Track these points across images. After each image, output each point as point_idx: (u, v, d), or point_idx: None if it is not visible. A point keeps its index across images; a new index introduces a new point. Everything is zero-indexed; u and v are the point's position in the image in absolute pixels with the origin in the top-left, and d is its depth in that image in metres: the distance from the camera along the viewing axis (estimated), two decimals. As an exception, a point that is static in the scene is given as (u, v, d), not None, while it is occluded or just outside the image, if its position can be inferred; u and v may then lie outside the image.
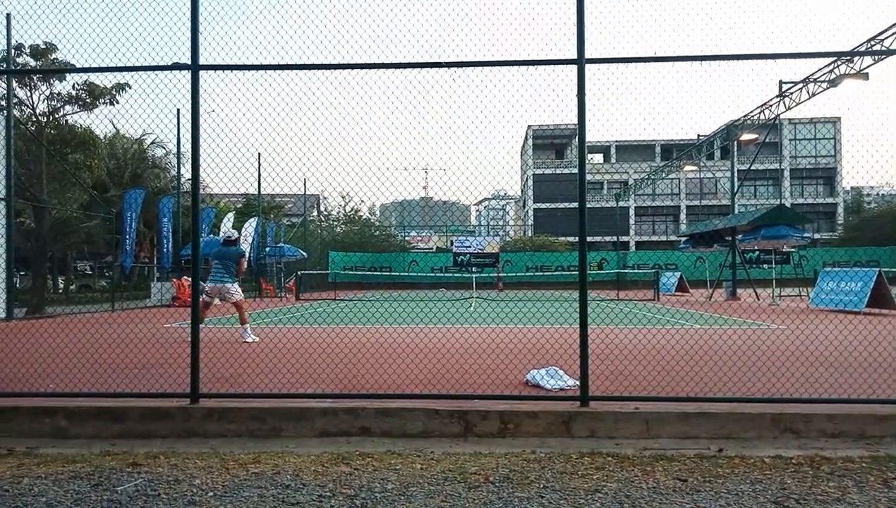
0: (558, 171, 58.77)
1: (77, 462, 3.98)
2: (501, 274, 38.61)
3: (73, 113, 20.46)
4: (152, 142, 32.87)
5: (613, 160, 60.79)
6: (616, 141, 59.24)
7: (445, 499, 3.32)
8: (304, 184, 24.58)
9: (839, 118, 54.96)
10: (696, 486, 3.50)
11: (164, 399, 5.00)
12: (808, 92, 20.59)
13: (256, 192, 30.16)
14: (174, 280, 22.30)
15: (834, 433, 4.46)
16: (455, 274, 41.32)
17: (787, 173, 56.49)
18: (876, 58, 17.20)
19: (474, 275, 34.51)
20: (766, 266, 32.58)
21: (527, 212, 61.90)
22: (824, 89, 19.60)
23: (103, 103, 20.09)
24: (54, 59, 18.97)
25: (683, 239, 31.43)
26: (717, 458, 4.02)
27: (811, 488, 3.47)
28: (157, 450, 4.26)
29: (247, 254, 12.10)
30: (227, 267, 10.03)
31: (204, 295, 9.82)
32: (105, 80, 19.72)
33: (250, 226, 26.80)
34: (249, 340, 9.39)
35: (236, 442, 4.51)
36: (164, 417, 4.74)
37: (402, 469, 3.82)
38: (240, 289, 10.13)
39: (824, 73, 19.35)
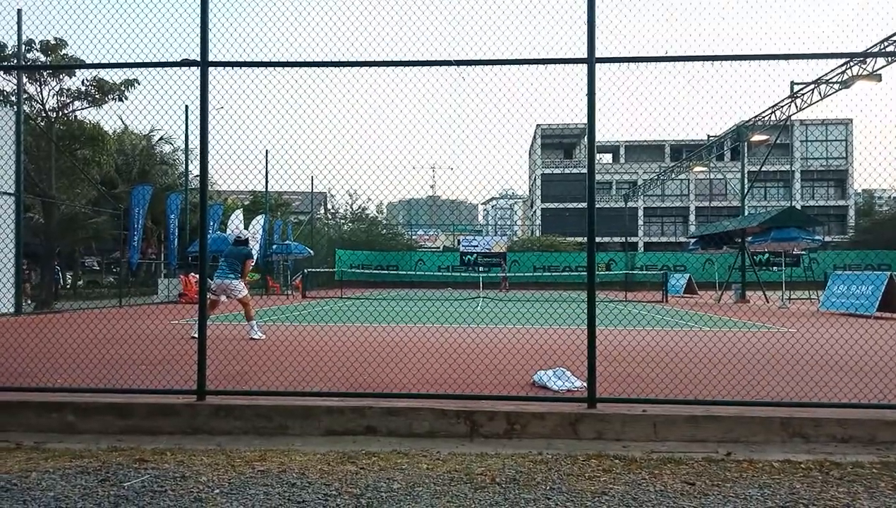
0: (567, 171, 58.62)
1: (84, 458, 4.00)
2: (507, 274, 38.55)
3: (82, 108, 20.56)
4: (160, 139, 33.04)
5: (622, 160, 60.56)
6: (625, 141, 59.03)
7: (451, 500, 3.30)
8: (312, 182, 24.69)
9: (851, 120, 54.54)
10: (703, 490, 3.47)
11: (171, 395, 5.02)
12: (819, 93, 20.45)
13: (264, 189, 30.23)
14: (181, 276, 22.42)
15: (844, 438, 4.42)
16: (462, 274, 41.27)
17: (797, 175, 56.11)
18: (889, 59, 17.07)
19: (481, 275, 34.47)
20: (775, 268, 32.38)
21: (534, 211, 61.78)
22: (836, 91, 19.46)
23: (112, 99, 20.14)
24: (64, 54, 19.04)
25: (692, 240, 31.28)
26: (726, 462, 3.99)
27: (821, 493, 3.43)
28: (163, 447, 4.26)
29: (254, 256, 12.08)
30: (232, 265, 10.02)
31: (209, 293, 9.84)
32: (114, 76, 19.77)
33: (258, 223, 26.86)
34: (256, 337, 9.40)
35: (242, 440, 4.51)
36: (170, 414, 4.75)
37: (408, 468, 3.81)
38: (244, 286, 10.14)
39: (836, 74, 19.21)
